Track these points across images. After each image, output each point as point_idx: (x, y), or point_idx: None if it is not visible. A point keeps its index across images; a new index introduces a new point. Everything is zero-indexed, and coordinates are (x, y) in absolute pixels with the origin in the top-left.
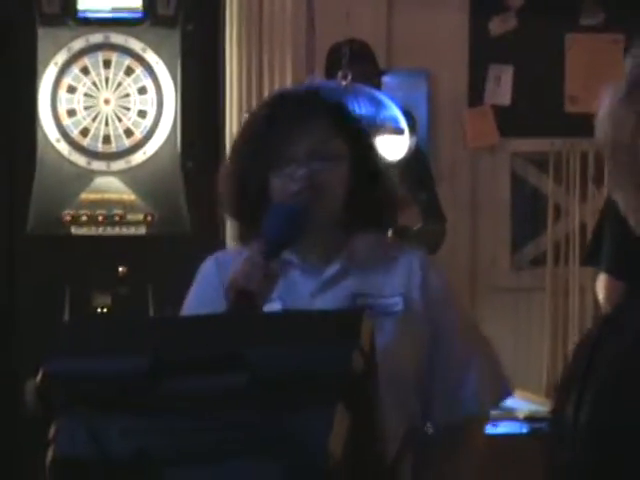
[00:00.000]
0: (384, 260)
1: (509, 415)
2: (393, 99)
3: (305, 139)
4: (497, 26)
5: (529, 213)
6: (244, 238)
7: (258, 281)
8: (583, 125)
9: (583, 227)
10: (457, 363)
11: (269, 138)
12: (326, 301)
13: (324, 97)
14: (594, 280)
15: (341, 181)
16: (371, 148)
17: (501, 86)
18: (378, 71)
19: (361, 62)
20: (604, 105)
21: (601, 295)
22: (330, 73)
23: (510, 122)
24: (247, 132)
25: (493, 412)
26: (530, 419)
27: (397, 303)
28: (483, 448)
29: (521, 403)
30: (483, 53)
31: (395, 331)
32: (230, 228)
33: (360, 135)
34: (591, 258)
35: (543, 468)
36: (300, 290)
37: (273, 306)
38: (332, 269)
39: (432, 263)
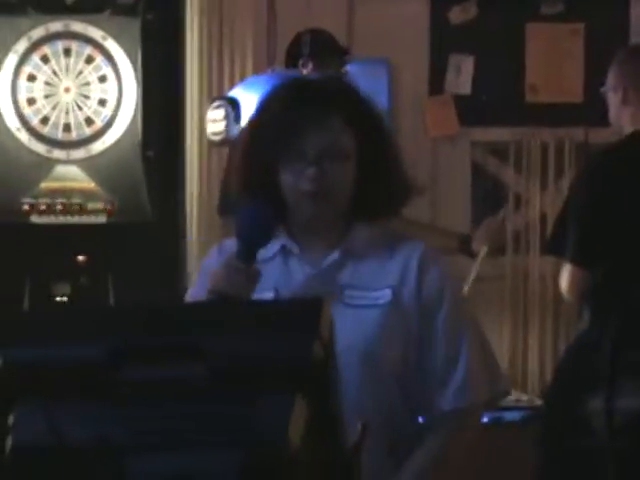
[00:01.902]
0: (382, 251)
1: None
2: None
3: (317, 137)
4: (457, 15)
5: (489, 202)
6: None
7: (240, 286)
8: (543, 114)
9: (543, 216)
10: (445, 358)
11: (283, 129)
12: (316, 292)
13: (342, 89)
14: (554, 269)
15: (349, 179)
16: (382, 139)
17: (461, 75)
18: (342, 61)
19: (324, 52)
20: None
21: (564, 285)
22: (292, 62)
23: (470, 111)
24: (263, 117)
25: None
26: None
27: (385, 295)
28: (471, 441)
29: None
30: (444, 42)
31: (378, 323)
32: (191, 217)
33: (372, 127)
34: (553, 247)
35: (543, 456)
36: (296, 280)
37: (266, 295)
38: (329, 260)
39: (432, 256)
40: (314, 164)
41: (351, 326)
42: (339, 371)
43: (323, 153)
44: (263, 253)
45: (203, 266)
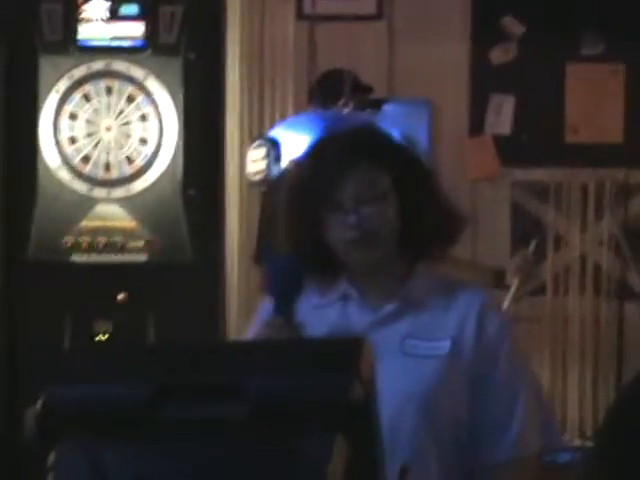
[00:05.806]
0: (441, 300)
1: None
2: (393, 128)
3: (351, 185)
4: (498, 56)
5: (529, 243)
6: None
7: None
8: (584, 155)
9: (583, 257)
10: (502, 409)
11: (316, 185)
12: (376, 340)
13: (371, 136)
14: (594, 311)
15: (391, 218)
16: (418, 174)
17: (502, 116)
18: (371, 102)
19: (356, 92)
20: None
21: None
22: (324, 101)
23: (510, 152)
24: (295, 181)
25: None
26: None
27: (445, 346)
28: None
29: None
30: (484, 83)
31: (438, 373)
32: (232, 256)
33: (406, 164)
34: None
35: None
36: (354, 326)
37: None
38: (388, 308)
39: (492, 305)
40: (353, 212)
41: (411, 375)
42: (394, 417)
43: (360, 199)
44: (320, 299)
45: (257, 316)
